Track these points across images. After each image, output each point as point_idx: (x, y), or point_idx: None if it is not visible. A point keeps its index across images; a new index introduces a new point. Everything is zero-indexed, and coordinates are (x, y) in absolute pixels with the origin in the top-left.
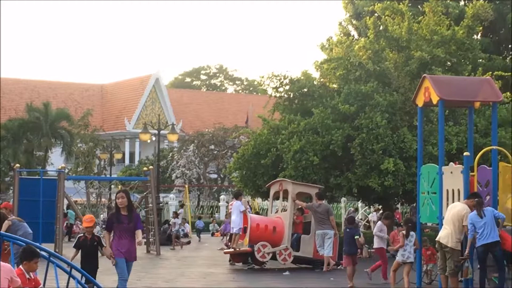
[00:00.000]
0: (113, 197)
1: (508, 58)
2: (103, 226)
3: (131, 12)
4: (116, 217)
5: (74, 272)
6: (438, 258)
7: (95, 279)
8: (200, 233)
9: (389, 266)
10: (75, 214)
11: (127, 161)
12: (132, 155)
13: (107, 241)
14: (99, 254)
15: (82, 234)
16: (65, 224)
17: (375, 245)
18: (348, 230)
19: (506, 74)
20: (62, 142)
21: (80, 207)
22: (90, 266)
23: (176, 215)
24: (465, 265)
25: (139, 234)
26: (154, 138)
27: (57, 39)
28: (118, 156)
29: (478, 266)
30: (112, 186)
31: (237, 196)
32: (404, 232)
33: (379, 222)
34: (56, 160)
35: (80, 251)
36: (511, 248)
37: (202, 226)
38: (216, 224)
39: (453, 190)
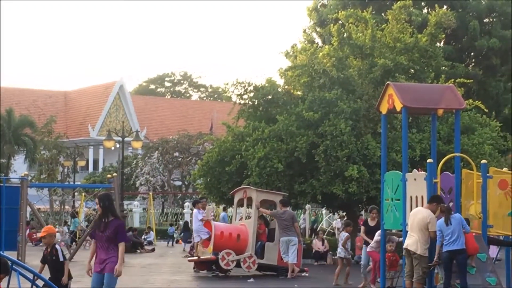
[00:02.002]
0: (76, 204)
1: (470, 66)
2: (71, 235)
3: (95, 19)
4: (95, 223)
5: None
6: (400, 265)
7: None
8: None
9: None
10: (40, 223)
11: (90, 168)
12: (96, 162)
13: (90, 250)
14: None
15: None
16: (69, 232)
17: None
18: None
19: (469, 81)
20: (25, 149)
21: (43, 215)
22: (57, 282)
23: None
24: (435, 271)
25: (120, 252)
26: (118, 145)
27: (20, 45)
28: (81, 163)
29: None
30: (76, 193)
31: (194, 204)
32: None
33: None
34: (19, 167)
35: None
36: (471, 252)
37: (173, 231)
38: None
39: (416, 197)
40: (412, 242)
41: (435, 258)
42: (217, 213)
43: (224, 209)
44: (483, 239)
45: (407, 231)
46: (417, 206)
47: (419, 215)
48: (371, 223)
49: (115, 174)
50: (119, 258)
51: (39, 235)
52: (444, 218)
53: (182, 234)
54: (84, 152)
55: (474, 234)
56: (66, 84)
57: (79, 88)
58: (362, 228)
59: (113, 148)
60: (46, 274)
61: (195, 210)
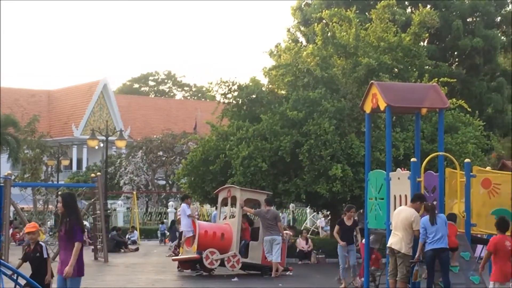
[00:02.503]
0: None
1: (453, 65)
2: (50, 233)
3: (78, 17)
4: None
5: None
6: (384, 263)
7: None
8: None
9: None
10: (23, 222)
11: (74, 168)
12: (79, 161)
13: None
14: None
15: (27, 244)
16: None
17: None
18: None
19: (452, 80)
20: (8, 149)
21: (26, 214)
22: (39, 279)
23: None
24: (415, 268)
25: (73, 252)
26: (102, 145)
27: (3, 44)
28: (65, 162)
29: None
30: (59, 192)
31: (183, 199)
32: None
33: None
34: (2, 166)
35: (27, 262)
36: (453, 244)
37: (164, 229)
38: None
39: (400, 196)
40: (396, 241)
41: (416, 255)
42: (201, 212)
43: (216, 208)
44: (467, 238)
45: (391, 230)
46: (400, 205)
47: (402, 214)
48: (348, 222)
49: (99, 173)
50: (71, 259)
51: (26, 230)
52: (429, 217)
53: (169, 233)
54: (68, 151)
55: (458, 232)
56: (49, 83)
57: (63, 87)
58: (337, 227)
59: (97, 147)
60: (26, 271)
61: (183, 205)
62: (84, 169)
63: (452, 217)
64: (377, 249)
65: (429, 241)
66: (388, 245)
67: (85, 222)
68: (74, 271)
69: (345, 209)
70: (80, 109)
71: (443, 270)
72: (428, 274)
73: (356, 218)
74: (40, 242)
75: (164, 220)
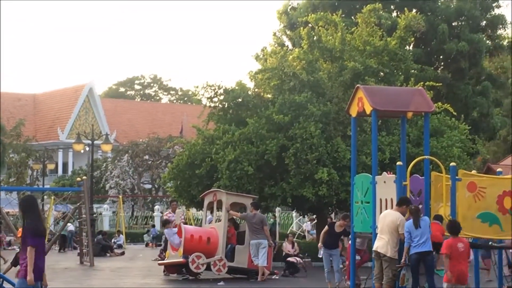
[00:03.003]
0: (45, 207)
1: (439, 69)
2: None
3: (64, 21)
4: None
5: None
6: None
7: None
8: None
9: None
10: (8, 227)
11: (60, 172)
12: (65, 165)
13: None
14: None
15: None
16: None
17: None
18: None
19: (438, 84)
20: None
21: (12, 218)
22: None
23: None
24: (402, 272)
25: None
26: (87, 148)
27: None
28: (51, 166)
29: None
30: (45, 197)
31: (164, 224)
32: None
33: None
34: None
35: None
36: (438, 239)
37: (156, 232)
38: (151, 235)
39: (386, 199)
40: (382, 244)
41: (402, 259)
42: (187, 216)
43: (211, 212)
44: None
45: (377, 234)
46: (386, 209)
47: (389, 217)
48: (338, 229)
49: (84, 177)
50: (28, 266)
51: (18, 234)
52: (413, 220)
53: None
54: (54, 155)
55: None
56: (35, 87)
57: (49, 91)
58: (326, 228)
59: (82, 151)
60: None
61: (166, 231)
62: (69, 173)
63: (437, 218)
64: (364, 250)
65: (413, 244)
66: (374, 248)
67: (70, 226)
68: (21, 271)
69: (341, 215)
70: (65, 113)
71: (428, 273)
72: (412, 278)
73: (347, 229)
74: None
75: (154, 224)
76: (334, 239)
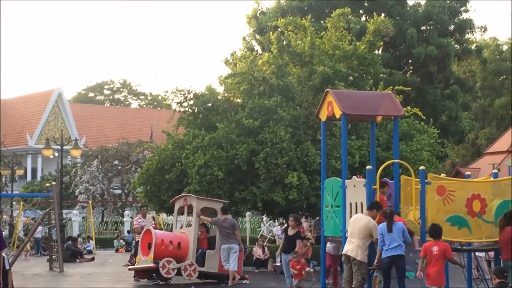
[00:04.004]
0: (15, 213)
1: (408, 73)
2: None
3: (33, 26)
4: None
5: None
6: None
7: None
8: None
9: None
10: None
11: (29, 177)
12: (34, 171)
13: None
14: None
15: None
16: None
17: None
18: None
19: (407, 88)
20: None
21: None
22: None
23: None
24: (374, 274)
25: None
26: (56, 154)
27: None
28: (20, 172)
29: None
30: (14, 203)
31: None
32: None
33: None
34: None
35: None
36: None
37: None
38: (121, 240)
39: (356, 203)
40: (352, 248)
41: (375, 262)
42: (157, 221)
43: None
44: (422, 245)
45: (347, 237)
46: (356, 213)
47: (360, 222)
48: (290, 232)
49: (54, 182)
50: None
51: None
52: (387, 224)
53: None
54: (22, 161)
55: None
56: (3, 92)
57: (17, 96)
58: (284, 235)
59: (51, 156)
60: None
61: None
62: (39, 178)
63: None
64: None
65: (385, 248)
66: (344, 252)
67: (38, 232)
68: None
69: (290, 217)
70: (34, 118)
71: (399, 276)
72: (383, 282)
73: (301, 230)
74: (3, 254)
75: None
76: (290, 243)
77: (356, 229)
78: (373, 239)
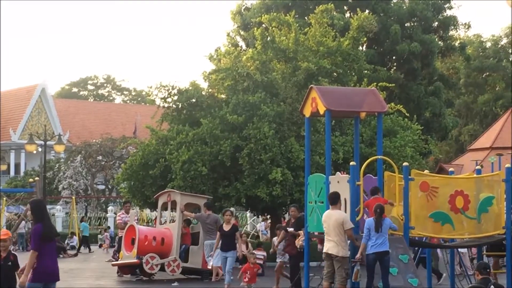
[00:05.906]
0: None
1: (392, 70)
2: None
3: (16, 20)
4: None
5: None
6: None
7: None
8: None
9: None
10: None
11: (12, 173)
12: (17, 166)
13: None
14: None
15: None
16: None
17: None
18: None
19: (390, 85)
20: None
21: None
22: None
23: None
24: (356, 268)
25: None
26: (40, 149)
27: None
28: (3, 167)
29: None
30: None
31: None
32: None
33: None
34: None
35: None
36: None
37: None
38: (106, 234)
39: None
40: (332, 245)
41: (358, 255)
42: (141, 217)
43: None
44: (405, 241)
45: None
46: (340, 209)
47: (332, 217)
48: (225, 227)
49: (37, 178)
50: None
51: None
52: (375, 223)
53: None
54: (6, 156)
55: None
56: None
57: (0, 91)
58: (218, 233)
59: (35, 152)
60: None
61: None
62: (22, 174)
63: (376, 190)
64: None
65: (371, 243)
66: (324, 250)
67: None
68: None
69: (223, 211)
70: (18, 113)
71: (383, 273)
72: (368, 276)
73: (235, 222)
74: (13, 252)
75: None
76: (227, 240)
77: (331, 226)
78: (346, 229)
